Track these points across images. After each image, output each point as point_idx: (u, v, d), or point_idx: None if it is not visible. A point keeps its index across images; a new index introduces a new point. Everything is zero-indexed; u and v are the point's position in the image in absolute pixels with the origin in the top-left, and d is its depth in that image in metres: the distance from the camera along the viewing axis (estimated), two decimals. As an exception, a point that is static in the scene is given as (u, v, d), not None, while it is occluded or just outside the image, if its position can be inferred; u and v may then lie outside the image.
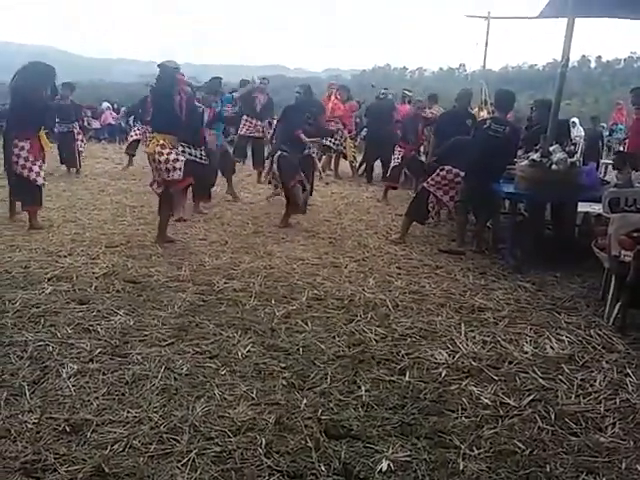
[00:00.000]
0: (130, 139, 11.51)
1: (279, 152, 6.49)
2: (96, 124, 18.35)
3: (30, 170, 6.10)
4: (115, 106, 21.77)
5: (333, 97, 10.61)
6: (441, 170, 6.16)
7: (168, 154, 5.53)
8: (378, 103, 10.66)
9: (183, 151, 6.64)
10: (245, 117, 9.71)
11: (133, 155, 11.43)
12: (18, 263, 4.99)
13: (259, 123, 9.86)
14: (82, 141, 10.88)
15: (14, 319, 3.83)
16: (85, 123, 18.73)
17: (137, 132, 11.13)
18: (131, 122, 14.19)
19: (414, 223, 6.46)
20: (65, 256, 5.28)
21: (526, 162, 5.38)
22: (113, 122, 19.91)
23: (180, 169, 5.58)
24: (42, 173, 6.24)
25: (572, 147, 5.53)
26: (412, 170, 9.04)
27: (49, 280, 4.61)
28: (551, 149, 5.27)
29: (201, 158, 6.93)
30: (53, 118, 8.58)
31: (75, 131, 10.47)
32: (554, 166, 5.16)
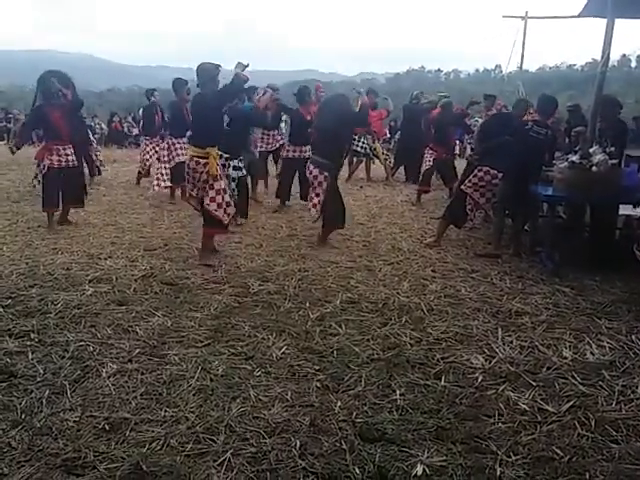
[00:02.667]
0: (146, 162, 9.51)
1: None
2: (135, 130, 18.73)
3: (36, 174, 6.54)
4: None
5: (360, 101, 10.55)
6: (479, 171, 6.09)
7: (220, 183, 5.21)
8: (411, 107, 10.62)
9: (237, 167, 6.70)
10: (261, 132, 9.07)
11: (147, 175, 9.84)
12: (60, 265, 5.14)
13: (275, 133, 9.11)
14: (96, 149, 10.14)
15: (56, 319, 3.95)
16: (126, 130, 19.28)
17: (149, 153, 9.39)
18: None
19: (450, 227, 6.40)
20: (105, 259, 5.41)
21: (565, 164, 5.27)
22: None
23: (225, 210, 5.24)
24: (39, 176, 6.60)
25: (612, 149, 5.39)
26: (442, 174, 8.96)
27: (90, 282, 4.73)
28: (591, 150, 5.16)
29: (241, 169, 6.83)
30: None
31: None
32: (594, 168, 5.04)
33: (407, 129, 10.63)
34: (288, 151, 7.98)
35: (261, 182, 8.99)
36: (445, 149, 8.57)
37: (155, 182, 8.52)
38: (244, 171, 6.87)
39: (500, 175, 5.93)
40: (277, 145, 8.95)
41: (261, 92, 7.29)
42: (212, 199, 5.19)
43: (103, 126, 18.95)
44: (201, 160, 5.14)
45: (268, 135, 8.95)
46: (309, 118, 7.69)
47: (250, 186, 8.27)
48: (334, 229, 6.18)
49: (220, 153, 5.58)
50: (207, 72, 5.09)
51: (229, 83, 5.08)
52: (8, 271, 4.92)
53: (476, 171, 6.09)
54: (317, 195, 5.92)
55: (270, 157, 9.40)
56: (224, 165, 6.73)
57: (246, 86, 5.57)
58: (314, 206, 5.99)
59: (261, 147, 8.98)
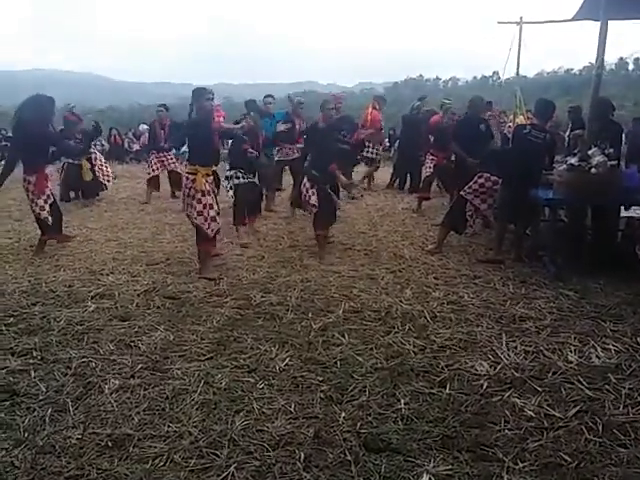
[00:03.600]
0: (152, 174, 9.88)
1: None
2: (136, 146, 18.80)
3: (35, 204, 6.00)
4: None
5: (371, 108, 10.66)
6: (479, 177, 6.08)
7: (205, 198, 5.27)
8: (411, 116, 10.63)
9: (234, 176, 6.83)
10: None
11: (157, 188, 10.18)
12: (62, 282, 5.13)
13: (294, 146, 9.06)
14: (103, 165, 9.94)
15: (59, 337, 3.94)
16: (126, 145, 19.35)
17: (155, 166, 9.84)
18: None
19: (451, 233, 6.39)
20: (107, 274, 5.41)
21: (564, 167, 5.26)
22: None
23: (209, 223, 5.28)
24: (47, 207, 6.03)
25: (611, 150, 5.38)
26: (442, 180, 8.96)
27: (92, 298, 4.73)
28: (590, 152, 5.15)
29: (243, 177, 6.90)
30: (65, 150, 7.75)
31: (92, 157, 9.67)
32: (593, 169, 5.03)
33: (406, 138, 10.62)
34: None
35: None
36: (445, 155, 8.55)
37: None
38: (242, 180, 6.87)
39: (500, 181, 5.92)
40: (294, 156, 8.89)
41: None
42: (199, 212, 5.27)
43: (104, 142, 19.00)
44: (190, 176, 5.32)
45: (284, 146, 8.87)
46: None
47: (265, 197, 8.40)
48: (324, 232, 6.18)
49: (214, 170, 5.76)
50: (195, 96, 5.34)
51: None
52: (11, 289, 4.92)
53: (476, 178, 6.09)
54: (309, 205, 6.06)
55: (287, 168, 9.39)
56: (226, 177, 6.86)
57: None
58: (309, 212, 6.20)
59: (278, 157, 8.95)
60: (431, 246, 6.39)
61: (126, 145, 19.21)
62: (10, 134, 19.20)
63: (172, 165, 9.90)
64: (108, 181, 9.91)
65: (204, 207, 5.27)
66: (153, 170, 9.82)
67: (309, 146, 7.03)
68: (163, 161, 9.82)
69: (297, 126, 8.51)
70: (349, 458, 2.58)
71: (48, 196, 6.07)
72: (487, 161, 6.17)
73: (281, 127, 8.09)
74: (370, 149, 10.78)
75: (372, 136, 10.35)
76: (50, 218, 6.08)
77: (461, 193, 6.20)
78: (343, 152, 6.44)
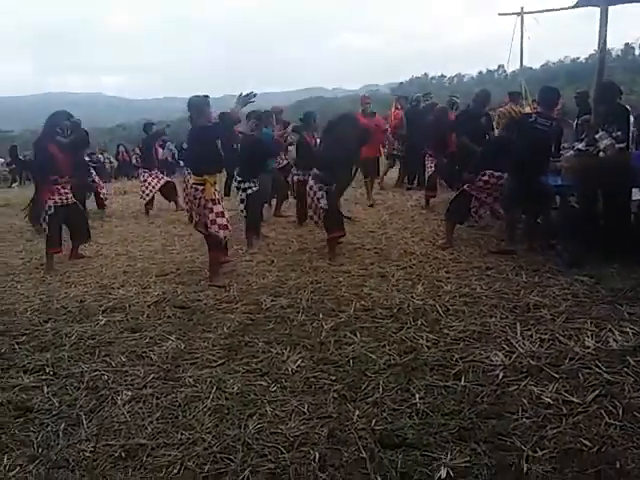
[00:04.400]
0: (149, 194, 9.85)
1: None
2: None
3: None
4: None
5: (393, 108, 10.74)
6: (483, 175, 6.00)
7: (217, 206, 5.26)
8: (413, 111, 10.55)
9: (247, 187, 6.85)
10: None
11: (151, 208, 10.15)
12: (74, 298, 5.15)
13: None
14: (99, 185, 9.83)
15: (71, 352, 3.94)
16: (134, 161, 19.50)
17: (151, 185, 9.79)
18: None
19: (462, 227, 6.33)
20: (118, 288, 5.41)
21: (572, 152, 5.19)
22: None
23: (222, 228, 5.27)
24: (46, 218, 6.21)
25: (619, 133, 5.28)
26: (444, 178, 8.87)
27: (103, 312, 4.73)
28: (597, 136, 5.07)
29: (255, 186, 6.95)
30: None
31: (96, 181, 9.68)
32: (601, 153, 4.95)
33: (411, 133, 10.54)
34: (297, 175, 7.94)
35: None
36: (444, 152, 8.43)
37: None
38: (254, 188, 6.88)
39: (505, 175, 5.85)
40: (283, 163, 8.91)
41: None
42: (213, 222, 5.25)
43: (112, 159, 19.18)
44: (199, 187, 5.29)
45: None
46: (313, 143, 7.76)
47: (275, 204, 8.47)
48: (338, 236, 6.14)
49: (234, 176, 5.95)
50: (196, 106, 5.28)
51: (218, 121, 5.48)
52: (22, 308, 4.94)
53: (480, 175, 6.01)
54: (318, 207, 6.01)
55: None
56: (237, 188, 6.90)
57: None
58: (318, 217, 6.12)
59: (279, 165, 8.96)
60: (441, 241, 6.33)
61: (134, 161, 19.36)
62: (21, 157, 19.54)
63: (163, 179, 9.96)
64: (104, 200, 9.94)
65: (217, 215, 5.25)
66: (151, 191, 9.84)
67: (317, 152, 6.96)
68: (156, 177, 9.87)
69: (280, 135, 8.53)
70: (364, 456, 2.54)
71: (49, 207, 6.23)
72: (490, 155, 6.10)
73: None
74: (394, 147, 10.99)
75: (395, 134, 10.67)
76: (47, 229, 6.28)
77: (465, 188, 6.13)
78: (351, 156, 6.37)
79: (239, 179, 7.00)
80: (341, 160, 6.01)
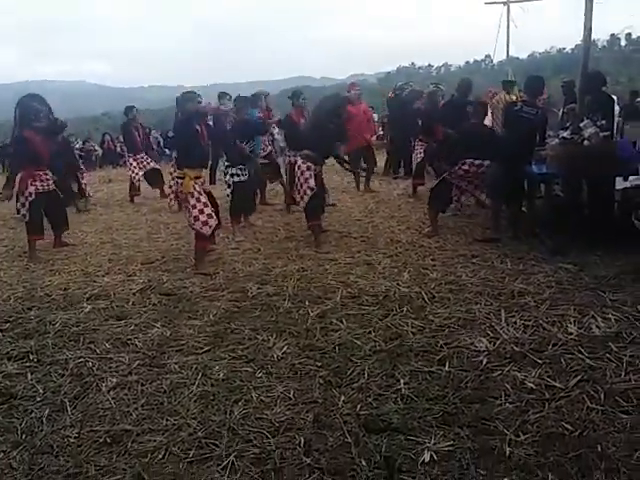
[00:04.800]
0: (135, 179, 9.81)
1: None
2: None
3: (17, 200, 6.21)
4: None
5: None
6: (463, 164, 6.00)
7: (197, 200, 5.30)
8: (394, 99, 10.50)
9: (234, 173, 6.81)
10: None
11: (137, 194, 10.10)
12: (58, 286, 5.11)
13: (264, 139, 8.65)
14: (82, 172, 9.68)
15: (55, 339, 3.92)
16: (119, 149, 19.35)
17: (136, 169, 9.70)
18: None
19: (448, 215, 6.35)
20: (103, 276, 5.38)
21: (557, 140, 5.22)
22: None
23: (205, 222, 5.31)
24: (27, 204, 6.11)
25: (603, 122, 5.32)
26: (433, 165, 8.87)
27: (88, 299, 4.70)
28: (581, 125, 5.10)
29: (242, 174, 6.92)
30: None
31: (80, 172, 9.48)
32: (586, 142, 4.99)
33: (394, 123, 10.51)
34: (288, 155, 7.88)
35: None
36: (434, 139, 8.43)
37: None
38: (242, 177, 6.85)
39: (486, 163, 5.87)
40: (268, 150, 8.80)
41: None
42: (195, 217, 5.30)
43: (97, 147, 19.01)
44: (179, 180, 5.39)
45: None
46: (300, 122, 7.68)
47: (260, 192, 8.38)
48: (317, 221, 6.14)
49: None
50: (180, 102, 5.46)
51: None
52: (6, 296, 4.89)
53: (460, 164, 6.01)
54: (305, 187, 5.95)
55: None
56: (225, 173, 6.87)
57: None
58: (301, 198, 6.04)
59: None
60: (427, 229, 6.35)
61: (119, 149, 19.21)
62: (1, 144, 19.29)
63: (150, 164, 9.81)
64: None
65: (199, 211, 5.29)
66: (136, 174, 9.72)
67: (302, 130, 6.89)
68: (141, 162, 9.72)
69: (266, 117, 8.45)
70: (349, 440, 2.56)
71: (30, 193, 6.12)
72: (465, 146, 6.12)
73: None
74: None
75: None
76: (27, 215, 6.18)
77: (445, 176, 6.14)
78: (339, 134, 6.35)
79: (226, 164, 6.96)
80: (324, 138, 5.99)
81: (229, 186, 6.91)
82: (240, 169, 6.86)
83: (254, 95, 8.25)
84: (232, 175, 6.88)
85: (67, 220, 6.83)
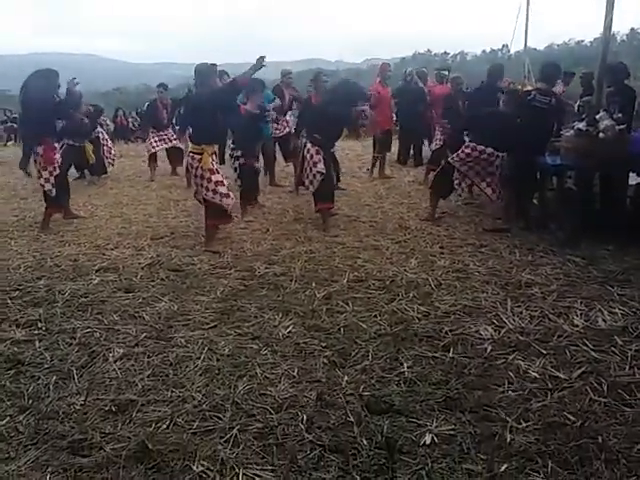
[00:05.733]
0: (151, 150, 9.90)
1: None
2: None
3: (40, 175, 6.09)
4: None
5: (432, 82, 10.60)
6: (466, 147, 5.98)
7: (217, 176, 5.24)
8: (405, 86, 10.39)
9: (240, 155, 6.73)
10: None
11: (156, 166, 10.14)
12: (67, 257, 5.15)
13: (284, 118, 8.91)
14: (109, 146, 9.96)
15: (63, 308, 3.95)
16: (131, 125, 19.37)
17: (155, 143, 9.83)
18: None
19: (458, 204, 6.33)
20: (112, 249, 5.41)
21: (572, 132, 5.17)
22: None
23: (227, 195, 5.27)
24: (51, 179, 6.08)
25: (620, 115, 5.27)
26: (453, 152, 8.80)
27: (96, 271, 4.74)
28: (597, 117, 5.05)
29: (239, 158, 6.82)
30: (74, 125, 7.74)
31: (100, 137, 9.61)
32: (601, 134, 4.94)
33: (402, 110, 10.38)
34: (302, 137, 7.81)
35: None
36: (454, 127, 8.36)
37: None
38: (244, 160, 6.80)
39: (489, 150, 5.83)
40: (285, 132, 8.76)
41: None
42: (214, 191, 5.22)
43: (109, 122, 18.99)
44: (196, 155, 5.25)
45: (278, 121, 8.68)
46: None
47: (270, 173, 8.45)
48: (327, 207, 6.12)
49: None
50: (202, 73, 5.22)
51: (224, 87, 5.32)
52: (16, 264, 4.94)
53: (463, 147, 5.98)
54: (314, 171, 5.94)
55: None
56: (231, 156, 6.83)
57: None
58: (310, 183, 6.05)
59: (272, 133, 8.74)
60: (425, 215, 6.37)
61: (131, 125, 19.23)
62: (16, 115, 19.32)
63: (173, 142, 9.85)
64: (111, 164, 9.89)
65: (217, 184, 5.22)
66: (153, 147, 9.79)
67: (315, 113, 6.83)
68: (164, 138, 9.79)
69: (287, 97, 8.44)
70: (351, 419, 2.58)
71: (54, 168, 6.09)
72: (472, 130, 6.08)
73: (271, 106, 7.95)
74: None
75: None
76: (54, 190, 6.11)
77: (448, 160, 6.11)
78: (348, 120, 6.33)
79: (232, 146, 6.88)
80: (333, 122, 5.98)
81: (235, 170, 6.83)
82: (245, 150, 6.78)
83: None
84: (237, 158, 6.79)
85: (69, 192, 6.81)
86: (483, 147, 5.83)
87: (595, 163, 5.13)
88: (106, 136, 9.97)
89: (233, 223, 6.22)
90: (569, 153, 5.14)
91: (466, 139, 6.06)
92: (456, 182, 6.15)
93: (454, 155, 6.02)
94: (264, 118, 7.26)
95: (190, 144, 5.48)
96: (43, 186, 6.11)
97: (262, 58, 5.03)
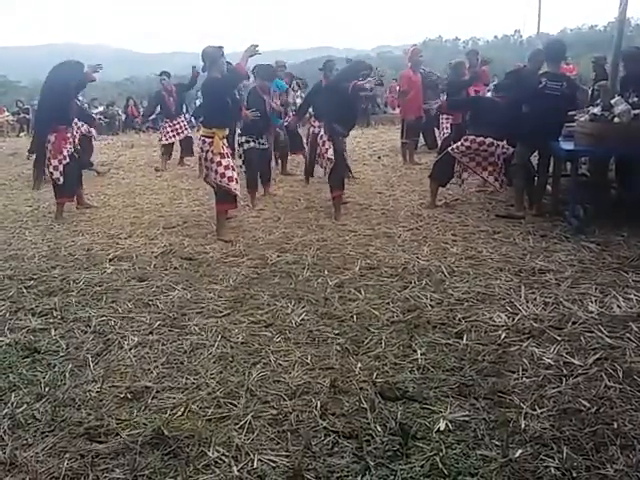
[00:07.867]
0: (164, 141, 9.85)
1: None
2: (152, 115, 18.79)
3: (49, 163, 6.11)
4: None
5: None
6: (465, 140, 5.94)
7: (226, 159, 5.22)
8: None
9: (245, 141, 6.73)
10: None
11: (170, 156, 10.16)
12: (81, 246, 5.19)
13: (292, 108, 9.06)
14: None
15: (78, 297, 3.99)
16: (141, 114, 19.35)
17: (169, 134, 9.79)
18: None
19: (470, 191, 6.29)
20: (125, 238, 5.45)
21: (586, 117, 5.11)
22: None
23: (233, 179, 5.22)
24: (60, 168, 6.10)
25: (635, 99, 5.19)
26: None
27: (110, 260, 4.77)
28: (612, 101, 4.98)
29: (263, 144, 6.88)
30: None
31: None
32: (616, 119, 4.87)
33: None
34: (314, 126, 7.79)
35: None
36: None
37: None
38: (252, 145, 6.78)
39: (488, 141, 5.78)
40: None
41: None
42: (222, 174, 5.19)
43: (120, 112, 19.07)
44: (207, 139, 5.22)
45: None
46: None
47: (280, 163, 8.49)
48: (340, 193, 6.08)
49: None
50: (210, 56, 5.17)
51: (227, 74, 5.24)
52: (30, 254, 4.99)
53: (462, 140, 5.94)
54: (326, 158, 5.93)
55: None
56: (239, 144, 6.83)
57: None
58: (325, 169, 6.12)
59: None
60: (426, 201, 6.39)
61: (142, 114, 19.23)
62: (27, 106, 19.44)
63: (185, 132, 9.87)
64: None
65: (226, 168, 5.19)
66: (167, 139, 9.78)
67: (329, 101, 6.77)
68: (177, 129, 9.77)
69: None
70: (365, 406, 2.58)
71: (64, 157, 6.11)
72: (473, 121, 6.04)
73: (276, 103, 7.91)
74: None
75: None
76: (62, 179, 6.15)
77: (449, 150, 6.08)
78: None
79: (239, 133, 6.91)
80: (349, 110, 5.96)
81: (240, 156, 6.83)
82: (252, 137, 6.75)
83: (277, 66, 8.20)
84: (241, 144, 6.79)
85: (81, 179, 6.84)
86: (482, 138, 5.80)
87: (610, 147, 5.06)
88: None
89: (245, 212, 6.25)
90: (583, 138, 5.07)
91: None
92: (457, 173, 6.14)
93: (454, 146, 5.99)
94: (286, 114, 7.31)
95: (202, 128, 5.45)
96: (52, 174, 6.15)
97: (254, 46, 5.07)
